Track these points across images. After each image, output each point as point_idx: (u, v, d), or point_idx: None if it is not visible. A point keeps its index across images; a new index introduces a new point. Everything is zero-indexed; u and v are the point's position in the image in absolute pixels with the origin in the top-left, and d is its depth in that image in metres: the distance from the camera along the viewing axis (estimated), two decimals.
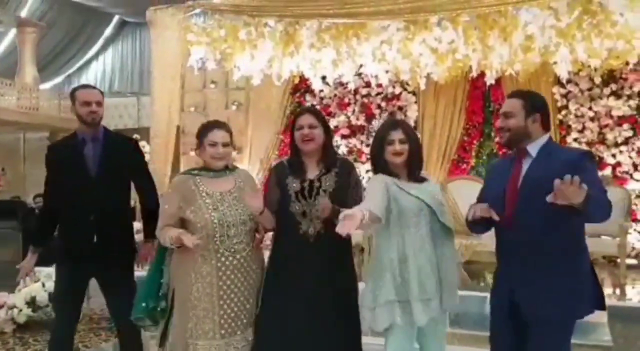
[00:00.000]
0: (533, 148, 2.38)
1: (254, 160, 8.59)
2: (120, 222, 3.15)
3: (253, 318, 2.67)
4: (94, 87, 3.23)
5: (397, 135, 2.54)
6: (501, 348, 2.46)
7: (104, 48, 13.43)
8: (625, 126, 7.09)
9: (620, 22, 5.39)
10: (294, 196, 2.63)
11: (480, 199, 2.50)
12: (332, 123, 8.50)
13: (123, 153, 3.18)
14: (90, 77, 13.60)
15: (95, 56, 13.56)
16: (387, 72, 6.77)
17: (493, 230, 2.47)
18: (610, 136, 7.15)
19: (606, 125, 7.20)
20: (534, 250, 2.28)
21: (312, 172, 2.68)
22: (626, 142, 7.08)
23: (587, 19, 5.37)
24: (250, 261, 2.68)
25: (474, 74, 6.53)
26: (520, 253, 2.31)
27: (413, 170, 2.59)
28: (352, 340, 2.66)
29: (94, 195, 3.01)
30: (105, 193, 3.02)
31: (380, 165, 2.59)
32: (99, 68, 13.35)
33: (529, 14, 5.54)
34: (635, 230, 6.70)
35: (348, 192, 2.64)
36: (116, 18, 12.87)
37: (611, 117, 7.17)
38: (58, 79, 14.60)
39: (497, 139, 7.72)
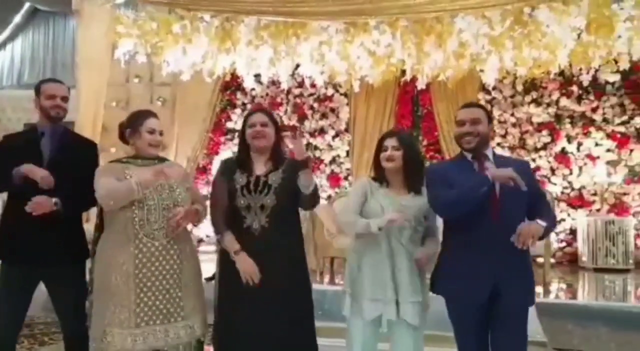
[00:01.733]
0: (489, 153, 2.65)
1: (181, 158, 8.32)
2: (68, 221, 2.93)
3: (182, 308, 2.63)
4: (61, 82, 3.06)
5: (390, 142, 2.73)
6: (472, 339, 2.58)
7: (12, 37, 12.52)
8: (544, 132, 7.53)
9: (547, 33, 5.70)
10: (239, 190, 2.68)
11: (438, 188, 2.59)
12: None
13: (80, 154, 3.00)
14: None
15: (3, 45, 12.64)
16: (322, 73, 6.78)
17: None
18: (530, 141, 7.56)
19: (526, 131, 7.61)
20: (515, 246, 2.42)
21: (260, 169, 2.75)
22: (545, 147, 7.52)
23: (518, 29, 5.63)
24: (172, 249, 2.63)
25: (407, 78, 6.68)
26: (505, 248, 2.43)
27: (410, 178, 2.73)
28: (303, 331, 2.69)
29: (35, 192, 2.78)
30: (53, 190, 2.80)
31: (378, 172, 2.79)
32: (6, 58, 12.43)
33: (464, 22, 5.73)
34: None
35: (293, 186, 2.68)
36: (27, 5, 12.02)
37: (531, 123, 7.59)
38: None
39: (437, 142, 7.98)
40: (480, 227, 2.48)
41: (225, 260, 2.69)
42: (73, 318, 2.94)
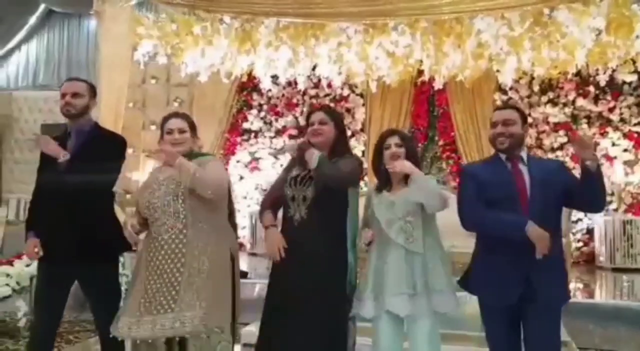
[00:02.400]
0: (524, 155, 2.67)
1: None
2: (95, 219, 2.94)
3: (175, 301, 2.60)
4: (78, 79, 3.11)
5: (393, 140, 2.78)
6: (504, 342, 2.61)
7: (27, 38, 12.61)
8: (561, 132, 7.54)
9: (567, 33, 5.71)
10: (288, 181, 2.84)
11: (470, 199, 2.62)
12: (280, 123, 8.47)
13: (104, 147, 3.01)
14: (11, 68, 12.74)
15: (18, 46, 12.71)
16: (339, 73, 6.82)
17: None
18: (547, 141, 7.57)
19: (543, 131, 7.62)
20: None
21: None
22: (561, 147, 7.53)
23: (537, 30, 5.65)
24: (173, 244, 2.66)
25: (425, 78, 6.71)
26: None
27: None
28: (328, 327, 2.70)
29: (63, 189, 2.84)
30: (76, 187, 2.83)
31: (380, 174, 2.83)
32: (21, 59, 12.51)
33: (484, 23, 5.75)
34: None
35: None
36: (42, 7, 12.11)
37: (548, 123, 7.60)
38: None
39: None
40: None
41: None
42: (106, 314, 2.94)
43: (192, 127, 2.88)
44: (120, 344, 3.03)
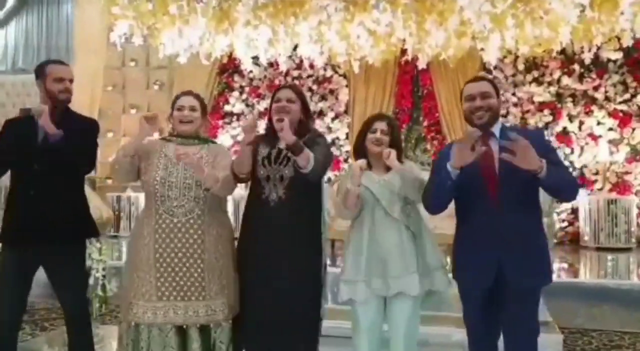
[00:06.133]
0: (495, 129, 2.49)
1: None
2: (66, 201, 2.87)
3: (204, 289, 2.63)
4: (66, 64, 2.97)
5: (380, 125, 2.69)
6: (480, 323, 2.55)
7: (5, 22, 12.36)
8: (546, 111, 7.48)
9: (550, 10, 5.61)
10: (260, 161, 2.72)
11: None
12: (262, 105, 8.35)
13: (78, 127, 2.89)
14: None
15: None
16: (321, 53, 6.70)
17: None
18: (532, 121, 7.51)
19: (528, 111, 7.56)
20: (520, 227, 2.38)
21: (283, 143, 2.68)
22: (546, 126, 7.45)
23: (520, 7, 5.54)
24: (192, 228, 2.64)
25: (408, 57, 6.60)
26: (508, 231, 2.37)
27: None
28: (307, 308, 2.68)
29: (34, 170, 2.77)
30: (47, 168, 2.76)
31: (359, 152, 2.76)
32: (0, 43, 12.29)
33: (466, 0, 5.63)
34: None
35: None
36: None
37: (533, 102, 7.53)
38: None
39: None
40: (479, 212, 2.42)
41: (242, 228, 2.77)
42: (72, 301, 2.91)
43: (203, 107, 2.85)
44: (88, 331, 2.98)
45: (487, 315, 2.51)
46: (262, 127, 3.07)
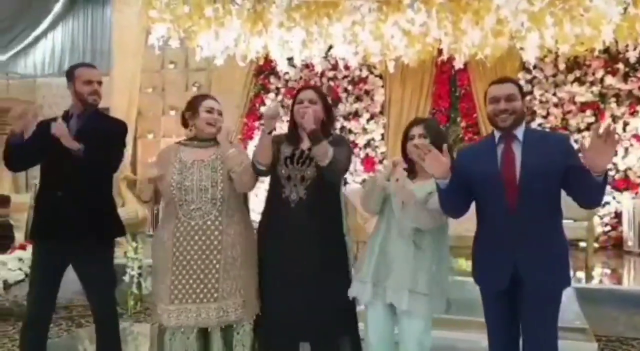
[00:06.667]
0: (519, 133, 2.44)
1: None
2: (93, 202, 2.90)
3: (217, 290, 2.63)
4: (94, 66, 3.03)
5: (417, 130, 2.62)
6: (499, 325, 2.51)
7: (52, 26, 12.75)
8: (588, 112, 7.26)
9: (591, 7, 5.44)
10: (283, 160, 2.72)
11: (453, 186, 2.44)
12: None
13: (106, 128, 2.95)
14: (38, 56, 12.90)
15: (44, 34, 12.87)
16: (356, 54, 6.66)
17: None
18: (573, 122, 7.30)
19: (569, 111, 7.35)
20: (537, 231, 2.35)
21: (307, 144, 2.72)
22: (588, 128, 7.21)
23: (558, 4, 5.39)
24: (209, 230, 2.64)
25: (444, 57, 6.50)
26: (524, 234, 2.34)
27: None
28: (336, 309, 2.67)
29: (62, 170, 2.82)
30: (76, 169, 2.79)
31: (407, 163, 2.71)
32: (47, 46, 12.66)
33: None
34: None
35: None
36: None
37: (574, 103, 7.31)
38: (2, 58, 13.76)
39: (461, 123, 7.79)
40: (498, 214, 2.39)
41: (260, 228, 2.77)
42: (98, 300, 2.97)
43: (221, 115, 2.86)
44: (115, 330, 3.03)
45: (507, 317, 2.48)
46: (285, 118, 3.09)
